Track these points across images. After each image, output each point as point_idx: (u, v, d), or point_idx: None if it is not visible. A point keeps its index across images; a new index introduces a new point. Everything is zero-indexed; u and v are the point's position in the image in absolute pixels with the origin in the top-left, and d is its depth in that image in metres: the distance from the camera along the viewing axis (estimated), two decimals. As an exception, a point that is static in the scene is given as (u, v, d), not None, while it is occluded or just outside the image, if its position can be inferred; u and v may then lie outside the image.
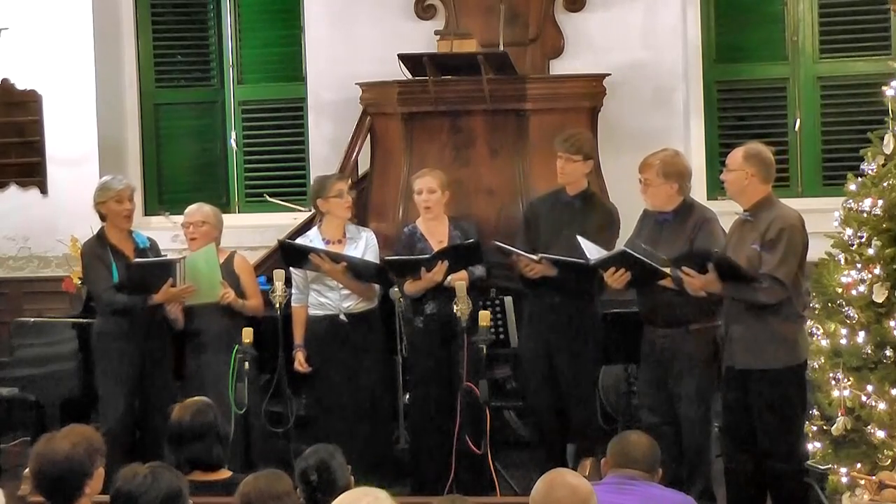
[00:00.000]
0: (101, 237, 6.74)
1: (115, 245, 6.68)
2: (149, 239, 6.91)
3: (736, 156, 5.81)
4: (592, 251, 6.02)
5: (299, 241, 6.91)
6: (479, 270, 6.57)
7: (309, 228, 7.20)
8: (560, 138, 6.59)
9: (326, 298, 6.69)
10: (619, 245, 6.36)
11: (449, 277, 6.47)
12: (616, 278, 5.96)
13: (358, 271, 6.61)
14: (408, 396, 7.08)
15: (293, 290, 6.62)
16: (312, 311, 6.72)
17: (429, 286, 6.51)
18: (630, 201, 6.54)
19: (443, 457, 6.39)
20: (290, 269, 6.69)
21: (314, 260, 6.56)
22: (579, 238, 6.09)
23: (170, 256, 6.86)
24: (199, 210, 6.80)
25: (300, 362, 6.64)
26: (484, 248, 6.57)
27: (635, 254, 5.88)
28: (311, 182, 7.05)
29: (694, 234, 6.01)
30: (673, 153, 6.25)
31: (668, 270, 5.84)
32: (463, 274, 6.45)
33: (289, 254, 6.75)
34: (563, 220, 6.51)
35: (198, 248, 6.70)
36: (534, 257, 6.30)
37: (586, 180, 6.59)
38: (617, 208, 6.72)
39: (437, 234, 6.69)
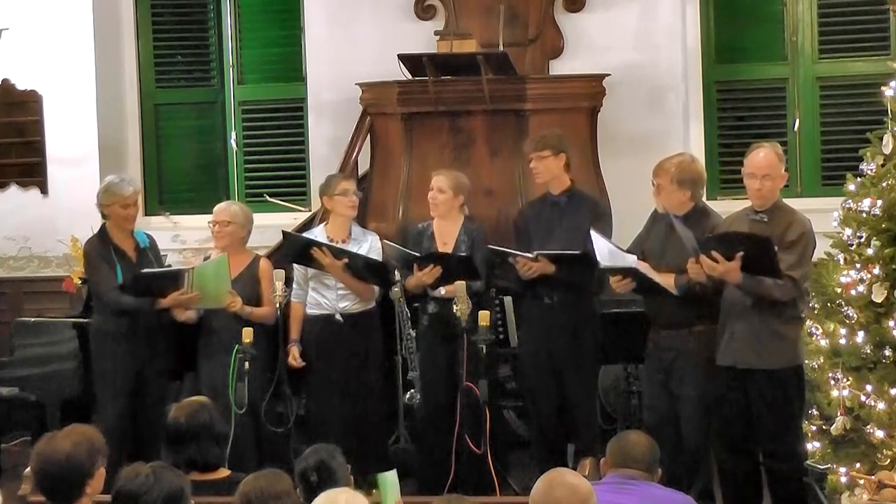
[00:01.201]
0: (103, 236, 6.70)
1: (118, 244, 6.66)
2: (148, 237, 6.88)
3: (774, 162, 5.73)
4: (604, 250, 6.01)
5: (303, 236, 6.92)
6: (475, 285, 6.53)
7: (309, 228, 7.21)
8: (526, 142, 6.63)
9: (323, 298, 6.69)
10: (615, 239, 6.36)
11: (442, 290, 6.47)
12: (622, 285, 5.97)
13: (358, 270, 6.61)
14: (408, 396, 7.08)
15: (293, 286, 6.62)
16: (309, 311, 6.72)
17: (419, 285, 6.51)
18: (630, 201, 6.56)
19: (443, 456, 6.40)
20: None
21: (315, 254, 6.56)
22: (593, 233, 6.07)
23: (179, 267, 6.79)
24: (226, 209, 6.76)
25: (293, 357, 6.64)
26: (486, 250, 6.58)
27: (646, 274, 5.89)
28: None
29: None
30: (689, 159, 6.21)
31: (674, 291, 5.84)
32: (459, 284, 6.43)
33: (290, 246, 6.74)
34: (553, 220, 6.51)
35: (223, 246, 6.69)
36: (530, 255, 6.30)
37: (568, 177, 6.58)
38: (601, 200, 6.72)
39: (445, 235, 6.69)
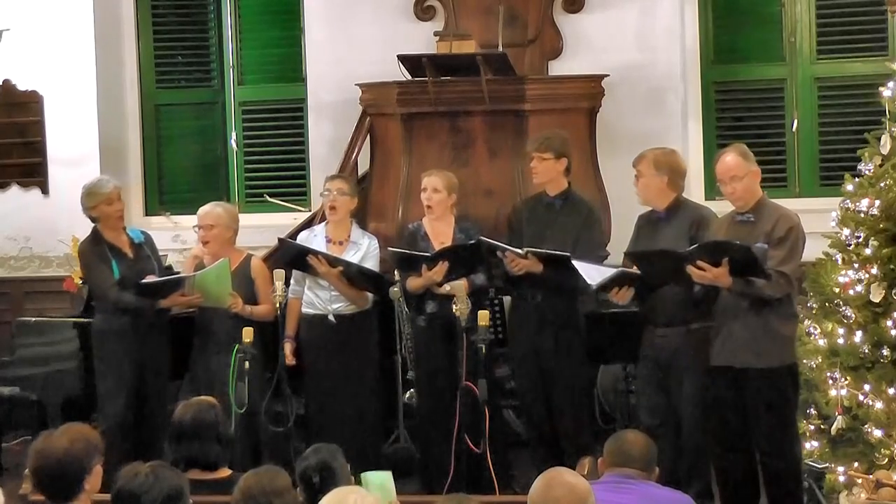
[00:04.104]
0: (96, 236, 6.70)
1: (112, 242, 6.66)
2: (143, 233, 6.88)
3: (737, 162, 5.73)
4: (591, 272, 6.03)
5: (303, 234, 6.94)
6: (479, 279, 6.57)
7: (308, 228, 7.21)
8: (530, 139, 6.65)
9: (316, 297, 6.71)
10: (613, 239, 6.38)
11: (447, 286, 6.49)
12: (622, 295, 5.99)
13: (353, 277, 6.63)
14: (407, 395, 7.10)
15: (291, 283, 6.63)
16: (304, 310, 6.74)
17: (428, 285, 6.53)
18: (628, 201, 6.57)
19: (443, 455, 6.42)
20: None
21: (311, 261, 6.58)
22: (574, 262, 6.10)
23: (180, 274, 6.76)
24: (210, 213, 6.72)
25: (287, 355, 6.65)
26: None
27: (633, 272, 5.92)
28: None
29: (694, 232, 6.00)
30: (669, 150, 6.29)
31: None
32: (462, 281, 6.46)
33: (287, 253, 6.77)
34: (545, 222, 6.53)
35: (211, 251, 6.66)
36: (519, 251, 6.32)
37: (566, 180, 6.60)
38: (597, 203, 6.75)
39: (440, 234, 6.70)
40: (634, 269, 5.92)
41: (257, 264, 6.79)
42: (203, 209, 6.76)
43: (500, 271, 6.54)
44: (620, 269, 5.99)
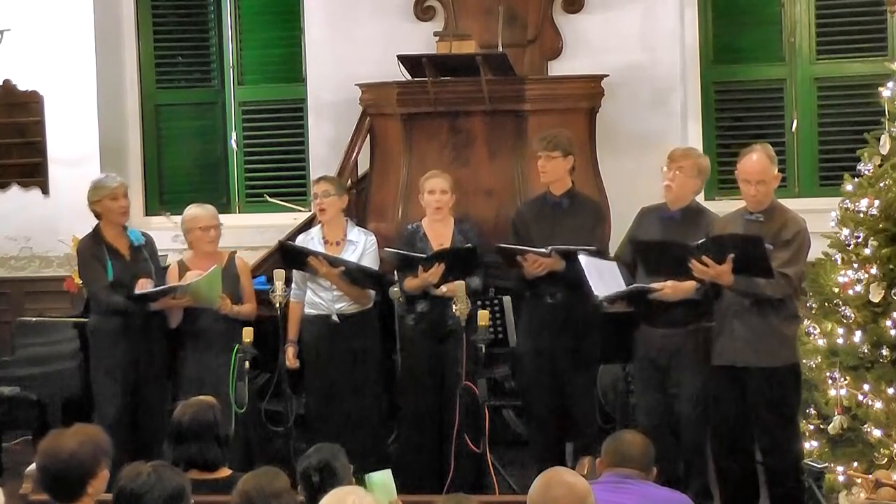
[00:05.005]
0: (96, 235, 6.71)
1: (111, 243, 6.66)
2: (143, 235, 6.87)
3: (766, 166, 5.72)
4: (594, 274, 6.02)
5: (300, 238, 6.95)
6: (475, 283, 6.55)
7: (308, 228, 7.23)
8: (537, 138, 6.65)
9: (319, 298, 6.72)
10: (612, 240, 6.38)
11: (444, 287, 6.49)
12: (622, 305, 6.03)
13: (354, 276, 6.64)
14: (404, 395, 7.11)
15: (292, 286, 6.64)
16: (307, 310, 6.75)
17: (424, 286, 6.54)
18: (628, 202, 6.58)
19: (436, 455, 6.43)
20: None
21: (312, 262, 6.59)
22: (581, 257, 6.09)
23: (173, 284, 6.67)
24: (211, 214, 6.72)
25: (289, 358, 6.66)
26: (483, 248, 6.59)
27: (647, 286, 5.93)
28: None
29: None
30: (699, 151, 6.37)
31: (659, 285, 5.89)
32: (458, 284, 6.46)
33: (288, 255, 6.78)
34: (552, 221, 6.52)
35: (213, 250, 6.69)
36: (544, 251, 6.32)
37: (570, 179, 6.60)
38: (601, 202, 6.75)
39: (439, 236, 6.70)
40: (646, 285, 5.93)
41: (241, 263, 6.84)
42: (201, 212, 6.74)
43: (512, 274, 6.53)
44: (634, 285, 5.99)
